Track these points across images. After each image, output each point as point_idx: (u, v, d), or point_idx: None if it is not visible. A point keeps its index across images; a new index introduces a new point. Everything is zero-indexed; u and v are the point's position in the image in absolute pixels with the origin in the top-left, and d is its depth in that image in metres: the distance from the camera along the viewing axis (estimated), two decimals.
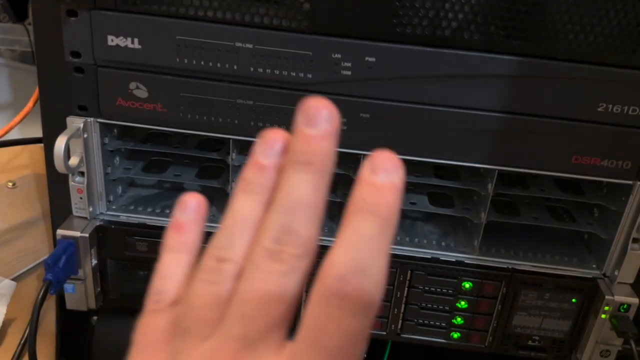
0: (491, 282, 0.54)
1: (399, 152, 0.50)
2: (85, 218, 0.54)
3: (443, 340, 0.57)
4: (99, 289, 0.56)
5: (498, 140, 0.50)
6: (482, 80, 0.47)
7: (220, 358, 0.22)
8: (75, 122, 0.50)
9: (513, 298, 0.54)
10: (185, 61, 0.48)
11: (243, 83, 0.49)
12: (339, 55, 0.47)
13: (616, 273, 0.54)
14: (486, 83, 0.48)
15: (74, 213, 0.54)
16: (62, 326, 0.62)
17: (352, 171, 0.53)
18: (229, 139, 0.51)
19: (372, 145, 0.50)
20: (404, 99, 0.48)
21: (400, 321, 0.56)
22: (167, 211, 0.56)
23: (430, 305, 0.55)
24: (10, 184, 0.74)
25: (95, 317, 0.62)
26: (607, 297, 0.53)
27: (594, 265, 0.55)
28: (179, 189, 0.61)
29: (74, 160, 0.51)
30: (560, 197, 0.55)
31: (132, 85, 0.49)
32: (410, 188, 0.59)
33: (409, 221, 0.59)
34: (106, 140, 0.53)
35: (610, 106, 0.48)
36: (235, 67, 0.48)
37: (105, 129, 0.52)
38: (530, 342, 0.56)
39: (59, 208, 0.55)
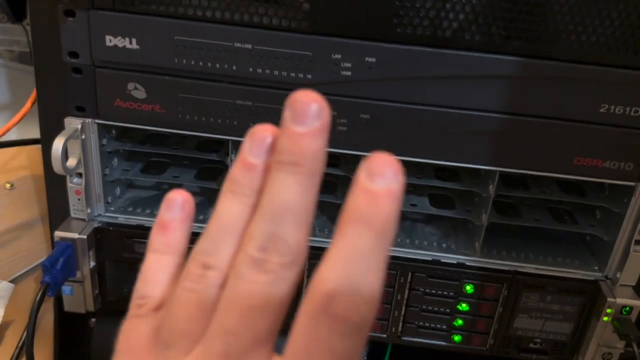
0: (492, 285, 0.54)
1: (399, 154, 0.50)
2: (84, 220, 0.54)
3: (444, 343, 0.56)
4: (97, 291, 0.56)
5: (499, 141, 0.49)
6: (483, 81, 0.47)
7: None
8: (73, 123, 0.50)
9: (514, 300, 0.54)
10: (184, 61, 0.47)
11: (242, 84, 0.48)
12: (339, 56, 0.47)
13: (618, 275, 0.53)
14: (487, 84, 0.47)
15: (72, 215, 0.54)
16: (60, 328, 0.61)
17: (352, 172, 0.52)
18: (228, 140, 0.51)
19: (372, 146, 0.50)
20: (405, 99, 0.48)
21: (400, 324, 0.55)
22: None
23: (431, 308, 0.55)
24: (8, 185, 0.74)
25: (93, 320, 0.61)
26: (609, 299, 0.52)
27: (596, 268, 0.55)
28: None
29: (71, 162, 0.50)
30: (562, 198, 0.55)
31: (130, 85, 0.49)
32: (410, 189, 0.58)
33: (409, 223, 0.58)
34: (104, 141, 0.53)
35: (613, 107, 0.48)
36: (234, 67, 0.47)
37: (103, 130, 0.52)
38: (531, 345, 0.56)
39: (56, 209, 0.54)
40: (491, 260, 0.54)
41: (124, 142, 0.55)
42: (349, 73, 0.47)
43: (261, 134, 0.23)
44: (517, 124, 0.48)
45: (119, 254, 0.55)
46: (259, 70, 0.47)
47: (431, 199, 0.58)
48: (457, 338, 0.56)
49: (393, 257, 0.54)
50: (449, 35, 0.45)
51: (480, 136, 0.49)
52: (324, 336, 0.19)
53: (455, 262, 0.54)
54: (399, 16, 0.45)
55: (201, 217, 0.56)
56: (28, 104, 0.57)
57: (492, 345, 0.56)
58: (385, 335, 0.56)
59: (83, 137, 0.50)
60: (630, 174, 0.50)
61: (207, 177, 0.57)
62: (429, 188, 0.57)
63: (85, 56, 0.48)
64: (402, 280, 0.54)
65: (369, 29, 0.46)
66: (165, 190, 0.60)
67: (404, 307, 0.55)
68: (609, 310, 0.53)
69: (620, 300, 0.52)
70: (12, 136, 0.68)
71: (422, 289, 0.54)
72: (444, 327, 0.56)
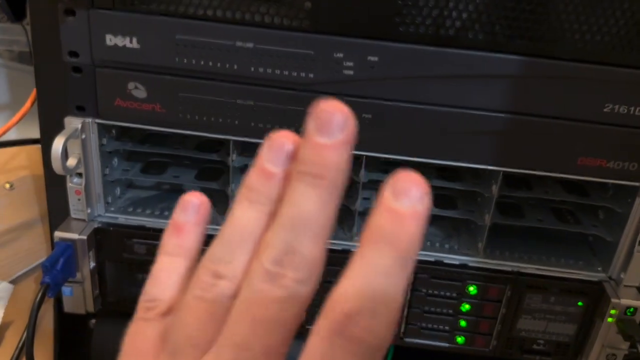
0: (495, 285, 0.53)
1: (401, 153, 0.50)
2: (84, 220, 0.53)
3: (446, 345, 0.56)
4: (97, 292, 0.55)
5: (503, 141, 0.49)
6: (486, 81, 0.47)
7: None
8: (73, 123, 0.50)
9: (518, 301, 0.54)
10: (185, 61, 0.47)
11: (243, 83, 0.48)
12: (341, 55, 0.46)
13: (622, 276, 0.53)
14: (490, 83, 0.47)
15: (72, 215, 0.53)
16: (60, 329, 0.61)
17: (355, 173, 0.52)
18: (229, 140, 0.51)
19: (374, 146, 0.50)
20: (407, 99, 0.48)
21: (403, 325, 0.55)
22: (166, 213, 0.56)
23: (433, 309, 0.54)
24: (8, 185, 0.74)
25: (93, 320, 0.61)
26: (613, 300, 0.52)
27: (599, 268, 0.55)
28: (178, 191, 0.60)
29: (71, 162, 0.50)
30: (565, 199, 0.54)
31: (131, 85, 0.49)
32: None
33: None
34: (104, 141, 0.52)
35: (617, 107, 0.47)
36: (235, 66, 0.47)
37: (103, 130, 0.52)
38: (535, 346, 0.56)
39: (56, 210, 0.54)
40: (494, 260, 0.54)
41: (124, 142, 0.55)
42: (351, 72, 0.47)
43: (280, 140, 0.22)
44: (521, 123, 0.48)
45: (119, 254, 0.54)
46: (261, 70, 0.47)
47: (433, 199, 0.57)
48: (459, 339, 0.55)
49: None
50: (452, 34, 0.45)
51: (483, 136, 0.49)
52: (339, 357, 0.19)
53: (457, 262, 0.54)
54: (402, 15, 0.45)
55: None
56: (28, 104, 0.57)
57: (495, 346, 0.56)
58: None
59: (83, 136, 0.50)
60: (634, 174, 0.49)
61: (208, 178, 0.57)
62: (431, 188, 0.57)
63: (86, 55, 0.48)
64: None
65: (371, 27, 0.45)
66: (166, 191, 0.60)
67: (406, 309, 0.54)
68: (613, 311, 0.52)
69: (625, 301, 0.52)
70: (11, 136, 0.68)
71: (424, 290, 0.54)
72: (447, 328, 0.55)
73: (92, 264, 0.54)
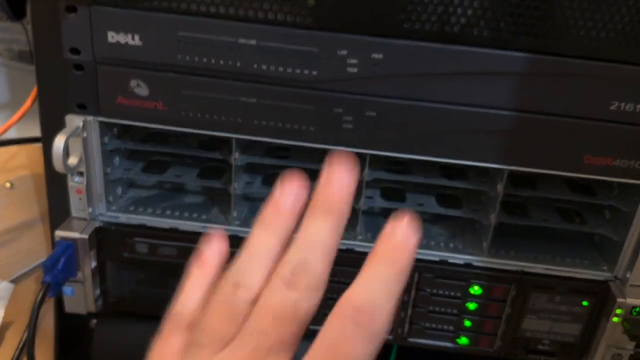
0: (500, 285, 0.53)
1: (406, 152, 0.49)
2: (85, 219, 0.53)
3: (451, 345, 0.55)
4: (98, 292, 0.55)
5: (508, 139, 0.48)
6: (491, 78, 0.46)
7: None
8: (74, 121, 0.49)
9: (522, 301, 0.53)
10: (187, 58, 0.47)
11: (246, 80, 0.47)
12: (345, 52, 0.46)
13: (628, 275, 0.52)
14: (495, 80, 0.46)
15: (73, 214, 0.53)
16: (60, 330, 0.61)
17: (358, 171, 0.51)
18: (232, 138, 0.50)
19: (378, 145, 0.49)
20: (412, 96, 0.47)
21: (407, 325, 0.55)
22: (168, 212, 0.55)
23: (438, 309, 0.54)
24: (8, 184, 0.73)
25: (94, 321, 0.61)
26: (618, 299, 0.51)
27: (605, 268, 0.54)
28: (180, 190, 0.59)
29: (73, 160, 0.50)
30: (571, 198, 0.54)
31: (133, 83, 0.48)
32: (417, 189, 0.58)
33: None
34: (106, 139, 0.52)
35: (623, 104, 0.47)
36: (238, 64, 0.47)
37: (104, 128, 0.51)
38: (539, 346, 0.55)
39: (57, 209, 0.53)
40: (499, 260, 0.53)
41: (125, 141, 0.54)
42: (355, 69, 0.46)
43: (292, 184, 0.28)
44: (526, 121, 0.48)
45: (120, 253, 0.54)
46: (264, 67, 0.47)
47: (438, 199, 0.57)
48: (464, 339, 0.55)
49: None
50: (457, 30, 0.45)
51: (488, 134, 0.48)
52: (349, 336, 0.24)
53: (462, 262, 0.53)
54: (406, 11, 0.44)
55: (204, 217, 0.55)
56: (28, 102, 0.57)
57: (499, 346, 0.55)
58: (391, 337, 0.55)
59: (84, 135, 0.50)
60: None
61: (210, 176, 0.56)
62: (436, 187, 0.57)
63: (87, 52, 0.47)
64: (408, 281, 0.53)
65: (375, 24, 0.45)
66: (167, 190, 0.59)
67: (410, 308, 0.54)
68: (618, 311, 0.52)
69: (630, 301, 0.52)
70: (11, 135, 0.67)
71: (429, 290, 0.53)
72: (451, 328, 0.55)
73: (94, 264, 0.53)
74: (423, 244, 0.54)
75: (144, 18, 0.46)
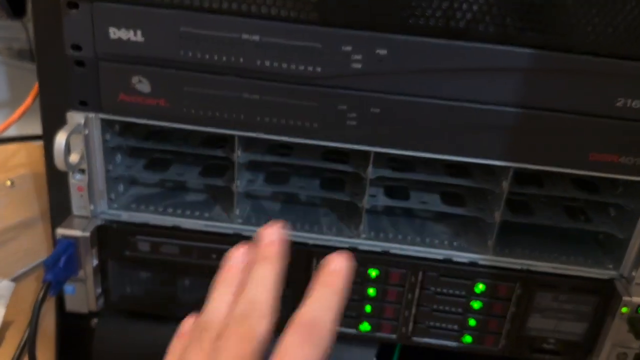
0: (505, 284, 0.53)
1: (410, 149, 0.49)
2: (86, 217, 0.52)
3: (455, 344, 0.55)
4: (99, 291, 0.54)
5: (513, 136, 0.48)
6: (496, 74, 0.46)
7: None
8: (75, 118, 0.49)
9: (527, 300, 0.53)
10: (190, 54, 0.46)
11: (249, 77, 0.47)
12: (349, 48, 0.45)
13: (633, 274, 0.52)
14: (501, 77, 0.46)
15: (75, 212, 0.52)
16: (61, 329, 0.60)
17: (362, 169, 0.51)
18: (234, 135, 0.50)
19: (382, 142, 0.49)
20: (416, 93, 0.47)
21: (411, 324, 0.54)
22: (170, 210, 0.55)
23: (442, 308, 0.54)
24: (8, 182, 0.73)
25: (95, 320, 0.60)
26: (624, 298, 0.51)
27: (610, 266, 0.54)
28: (182, 188, 0.59)
29: (74, 157, 0.49)
30: (576, 196, 0.53)
31: (135, 79, 0.48)
32: (421, 187, 0.57)
33: (419, 221, 0.57)
34: (107, 136, 0.51)
35: (629, 101, 0.46)
36: (241, 60, 0.46)
37: (106, 125, 0.51)
38: (544, 345, 0.55)
39: (58, 207, 0.53)
40: (504, 258, 0.53)
41: (127, 138, 0.54)
42: (359, 65, 0.46)
43: (237, 250, 0.38)
44: (531, 118, 0.47)
45: (122, 252, 0.53)
46: (267, 63, 0.46)
47: (442, 197, 0.56)
48: (468, 338, 0.55)
49: (403, 256, 0.53)
50: (462, 26, 0.44)
51: (493, 131, 0.48)
52: (298, 344, 0.32)
53: (467, 260, 0.53)
54: (411, 7, 0.44)
55: (206, 215, 0.54)
56: (29, 99, 0.56)
57: (504, 345, 0.55)
58: (395, 336, 0.55)
59: (86, 132, 0.49)
60: None
61: (212, 174, 0.56)
62: (439, 185, 0.56)
63: (89, 49, 0.47)
64: (412, 280, 0.53)
65: (380, 20, 0.44)
66: (169, 188, 0.59)
67: (414, 307, 0.54)
68: (624, 310, 0.52)
69: (636, 299, 0.51)
70: (11, 133, 0.67)
71: (433, 288, 0.53)
72: (455, 327, 0.54)
73: (95, 262, 0.53)
74: (427, 242, 0.54)
75: (146, 14, 0.45)
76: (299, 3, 0.44)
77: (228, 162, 0.53)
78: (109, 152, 0.52)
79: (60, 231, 0.51)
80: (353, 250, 0.53)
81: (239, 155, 0.51)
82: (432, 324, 0.54)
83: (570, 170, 0.49)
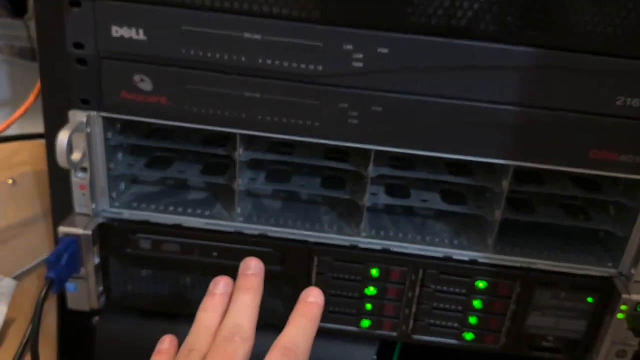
0: (505, 282, 0.53)
1: (411, 147, 0.49)
2: (88, 215, 0.52)
3: (455, 341, 0.55)
4: (101, 288, 0.55)
5: (513, 134, 0.48)
6: (497, 72, 0.46)
7: None
8: (77, 116, 0.49)
9: (527, 298, 0.53)
10: (192, 52, 0.46)
11: (251, 75, 0.47)
12: (351, 46, 0.46)
13: (633, 271, 0.52)
14: (501, 75, 0.46)
15: (76, 210, 0.52)
16: (63, 327, 0.60)
17: (363, 168, 0.51)
18: (236, 133, 0.50)
19: (383, 140, 0.49)
20: (417, 91, 0.47)
21: (411, 322, 0.54)
22: (171, 208, 0.55)
23: (442, 305, 0.54)
24: (10, 180, 0.73)
25: (97, 318, 0.60)
26: (623, 295, 0.51)
27: (610, 264, 0.54)
28: (183, 186, 0.59)
29: (76, 155, 0.49)
30: (576, 194, 0.54)
31: (137, 77, 0.48)
32: (421, 185, 0.57)
33: (420, 219, 0.57)
34: (109, 135, 0.52)
35: (629, 99, 0.47)
36: (243, 58, 0.46)
37: (108, 123, 0.51)
38: (544, 343, 0.55)
39: (60, 205, 0.53)
40: (504, 256, 0.53)
41: (128, 136, 0.54)
42: (360, 64, 0.46)
43: (220, 280, 0.42)
44: (532, 116, 0.47)
45: (123, 250, 0.54)
46: (269, 61, 0.46)
47: (442, 195, 0.57)
48: (468, 336, 0.55)
49: (404, 254, 0.53)
50: (464, 24, 0.44)
51: (494, 129, 0.48)
52: (280, 359, 0.36)
53: (467, 258, 0.53)
54: (412, 5, 0.44)
55: (207, 213, 0.55)
56: (31, 98, 0.56)
57: (504, 343, 0.55)
58: (395, 334, 0.55)
59: (88, 130, 0.49)
60: None
61: (214, 172, 0.56)
62: (440, 183, 0.56)
63: (91, 47, 0.47)
64: (413, 278, 0.53)
65: (381, 18, 0.45)
66: (171, 186, 0.59)
67: (414, 305, 0.54)
68: (623, 307, 0.52)
69: (635, 297, 0.51)
70: (12, 131, 0.67)
71: (433, 286, 0.53)
72: (456, 325, 0.55)
73: (97, 260, 0.53)
74: (427, 240, 0.54)
75: (148, 12, 0.46)
76: (300, 2, 0.45)
77: (229, 160, 0.53)
78: (110, 150, 0.52)
79: (62, 229, 0.51)
80: (354, 248, 0.53)
81: (240, 154, 0.51)
82: (432, 321, 0.54)
83: (570, 169, 0.49)
